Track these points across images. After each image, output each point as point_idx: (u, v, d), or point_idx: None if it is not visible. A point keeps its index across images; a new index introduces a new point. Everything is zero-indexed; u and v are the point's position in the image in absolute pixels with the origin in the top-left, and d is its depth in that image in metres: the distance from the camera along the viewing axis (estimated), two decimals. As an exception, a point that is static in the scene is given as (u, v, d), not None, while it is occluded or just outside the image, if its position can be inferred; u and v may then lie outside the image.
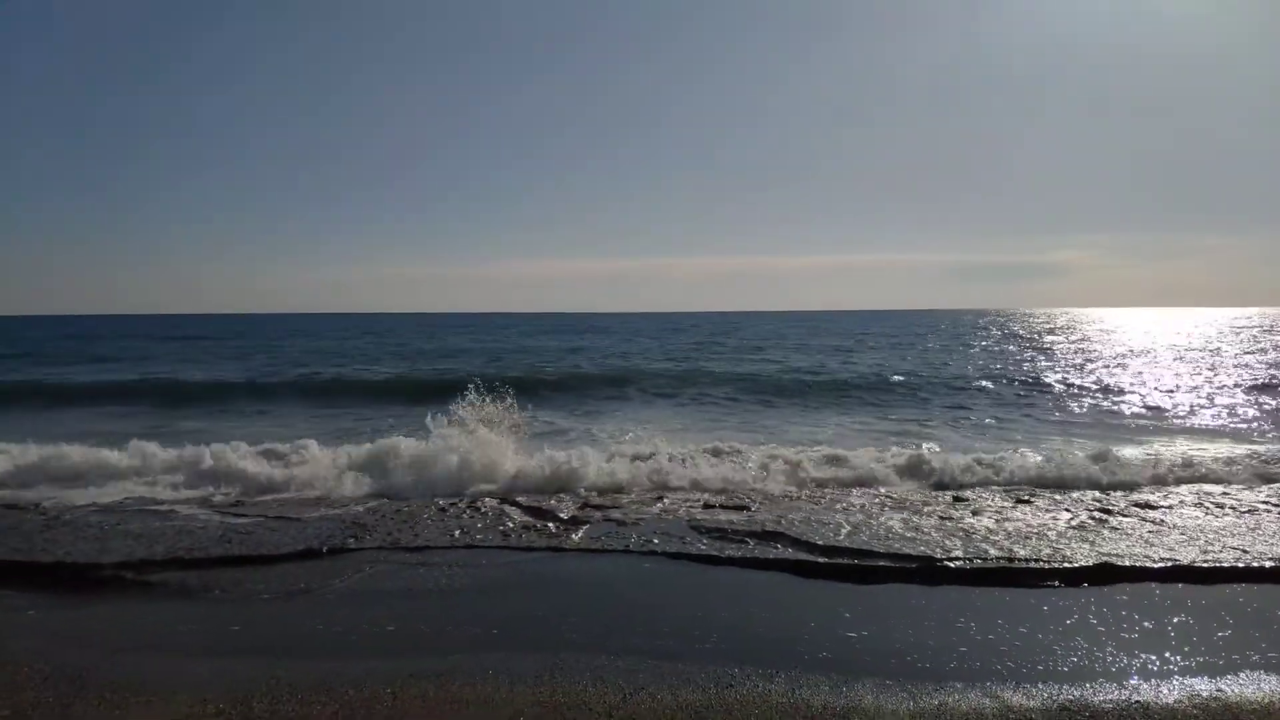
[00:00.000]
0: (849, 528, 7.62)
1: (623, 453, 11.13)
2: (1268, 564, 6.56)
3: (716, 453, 11.32)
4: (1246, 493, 9.22)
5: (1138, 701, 4.25)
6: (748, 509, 8.47)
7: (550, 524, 7.96)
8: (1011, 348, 42.01)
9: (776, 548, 7.09)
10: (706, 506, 8.60)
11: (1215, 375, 26.16)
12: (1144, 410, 19.04)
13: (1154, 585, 6.26)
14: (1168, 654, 4.91)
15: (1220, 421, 17.06)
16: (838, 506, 8.56)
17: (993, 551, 6.89)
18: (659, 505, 8.68)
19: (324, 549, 7.14)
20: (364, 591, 6.21)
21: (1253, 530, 7.55)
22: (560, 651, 4.91)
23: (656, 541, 7.32)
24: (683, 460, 10.52)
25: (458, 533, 7.67)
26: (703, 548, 7.12)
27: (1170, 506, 8.57)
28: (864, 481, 9.86)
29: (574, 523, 8.01)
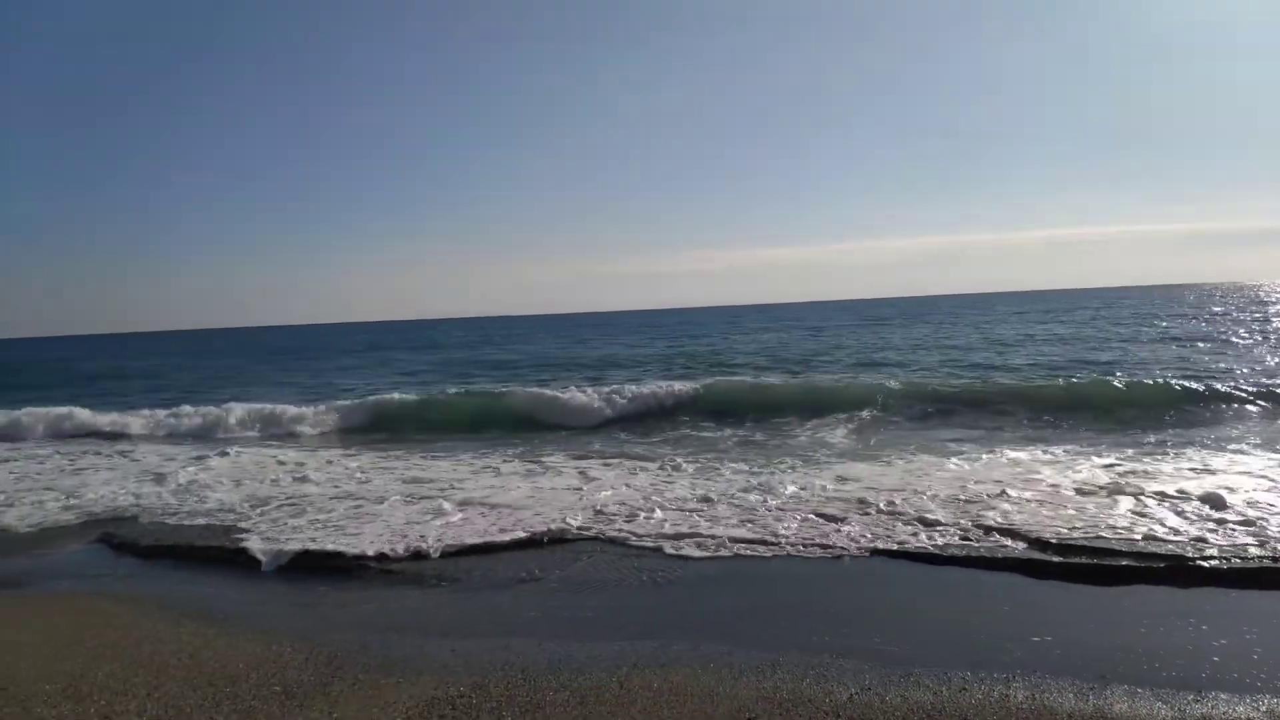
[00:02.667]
0: (1084, 523, 7.12)
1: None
2: None
3: None
4: None
5: None
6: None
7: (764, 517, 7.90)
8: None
9: (1005, 545, 6.73)
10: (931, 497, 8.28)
11: None
12: None
13: None
14: None
15: None
16: (1070, 500, 8.02)
17: (1255, 550, 6.26)
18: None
19: (544, 539, 7.42)
20: (583, 580, 6.41)
21: None
22: (780, 648, 4.86)
23: (872, 538, 7.12)
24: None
25: (667, 525, 7.75)
26: (924, 545, 6.86)
27: None
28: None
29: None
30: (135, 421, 18.53)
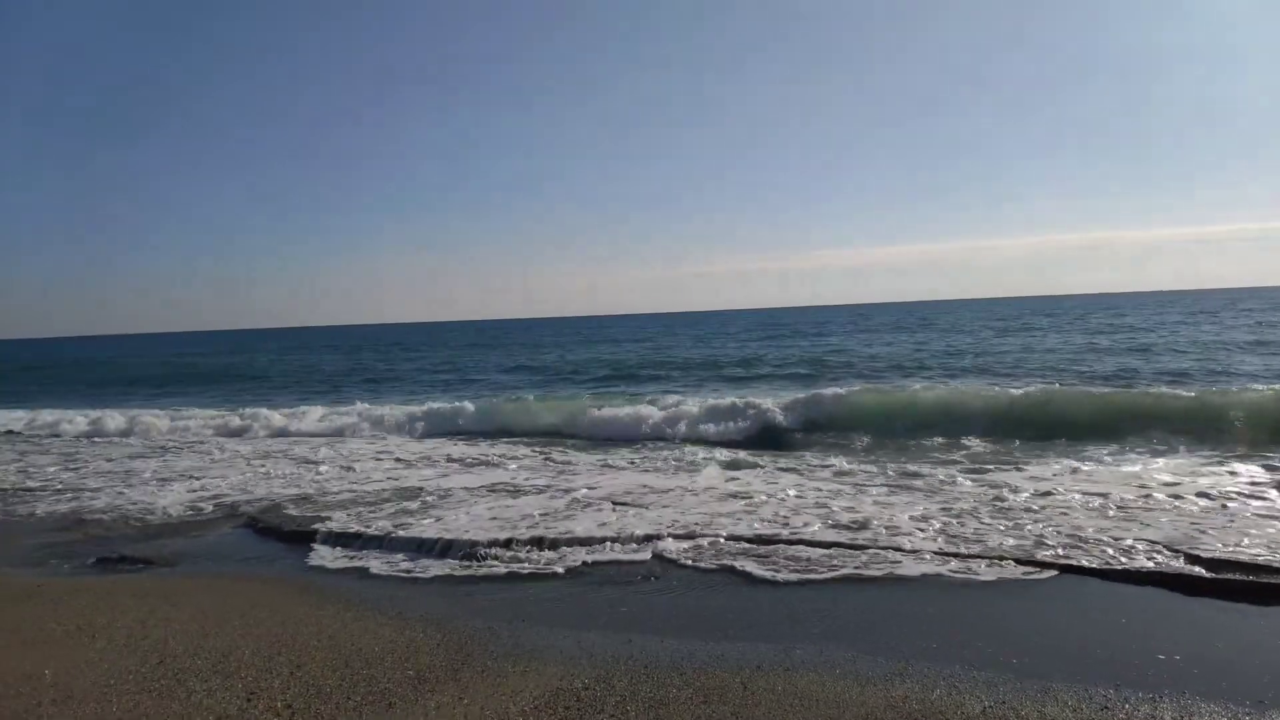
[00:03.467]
0: (1237, 538, 6.69)
1: None
2: None
3: None
4: None
5: None
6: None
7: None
8: None
9: (1151, 559, 6.38)
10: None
11: None
12: None
13: None
14: None
15: None
16: (1220, 514, 7.55)
17: None
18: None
19: (664, 535, 7.44)
20: (705, 581, 6.40)
21: None
22: (908, 657, 4.73)
23: (1008, 548, 6.86)
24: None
25: (790, 529, 7.66)
26: (1064, 558, 6.56)
27: None
28: None
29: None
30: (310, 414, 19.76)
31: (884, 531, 7.44)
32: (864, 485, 9.61)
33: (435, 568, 7.01)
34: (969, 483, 9.39)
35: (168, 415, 20.77)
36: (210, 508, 9.75)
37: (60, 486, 11.63)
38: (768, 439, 14.78)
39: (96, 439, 18.19)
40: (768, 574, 6.45)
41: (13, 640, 5.27)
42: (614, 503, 9.02)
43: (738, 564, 6.72)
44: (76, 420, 20.97)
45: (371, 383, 31.75)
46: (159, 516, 9.38)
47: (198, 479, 11.73)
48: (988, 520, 7.66)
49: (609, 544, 7.34)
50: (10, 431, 20.36)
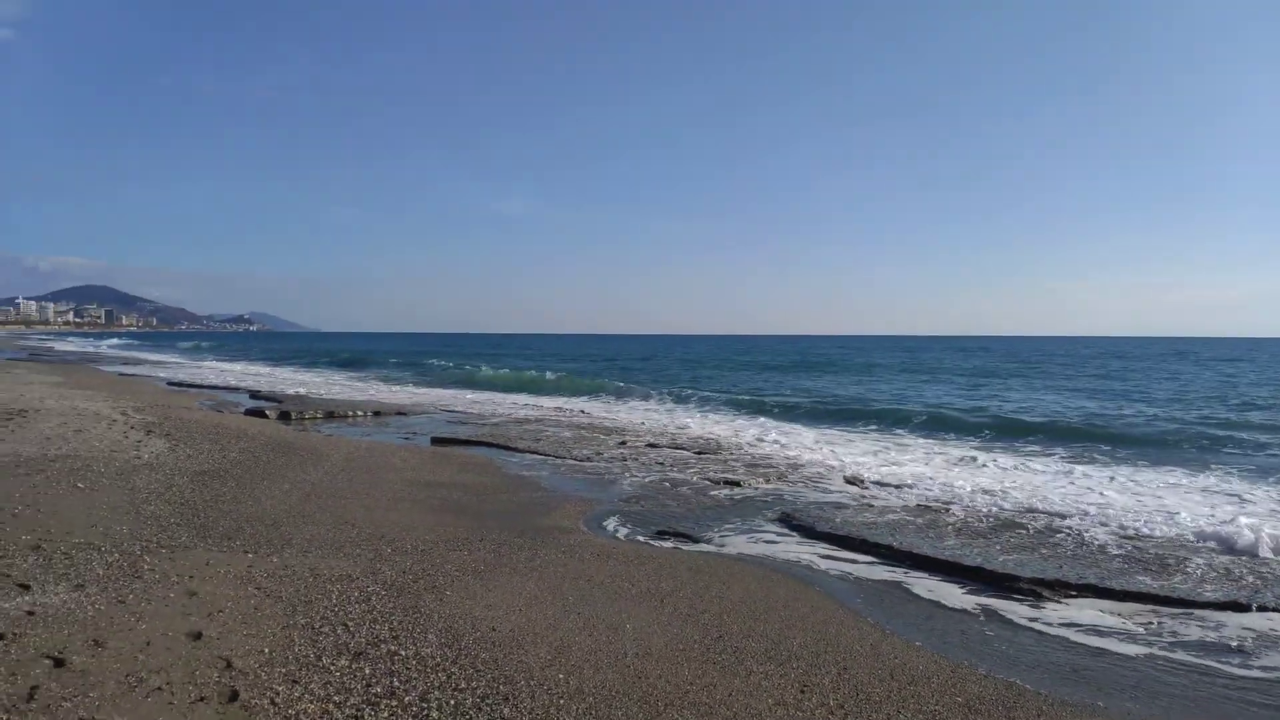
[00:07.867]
0: None
1: None
2: None
3: None
4: None
5: None
6: None
7: None
8: None
9: None
10: None
11: None
12: None
13: None
14: None
15: None
16: None
17: None
18: None
19: (1252, 605, 6.30)
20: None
21: None
22: None
23: None
24: None
25: None
26: None
27: None
28: None
29: None
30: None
31: None
32: None
33: (978, 596, 6.65)
34: None
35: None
36: (753, 503, 10.30)
37: (659, 468, 13.09)
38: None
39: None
40: None
41: (597, 593, 6.08)
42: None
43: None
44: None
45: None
46: (706, 499, 10.20)
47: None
48: None
49: (1162, 599, 6.44)
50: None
